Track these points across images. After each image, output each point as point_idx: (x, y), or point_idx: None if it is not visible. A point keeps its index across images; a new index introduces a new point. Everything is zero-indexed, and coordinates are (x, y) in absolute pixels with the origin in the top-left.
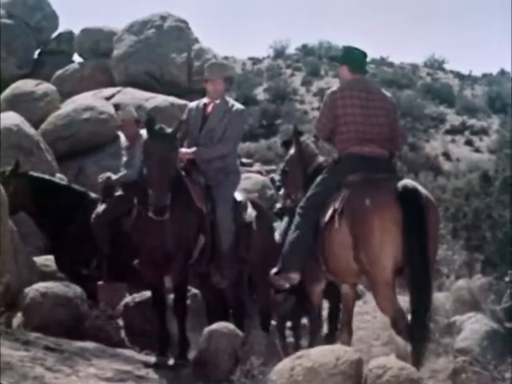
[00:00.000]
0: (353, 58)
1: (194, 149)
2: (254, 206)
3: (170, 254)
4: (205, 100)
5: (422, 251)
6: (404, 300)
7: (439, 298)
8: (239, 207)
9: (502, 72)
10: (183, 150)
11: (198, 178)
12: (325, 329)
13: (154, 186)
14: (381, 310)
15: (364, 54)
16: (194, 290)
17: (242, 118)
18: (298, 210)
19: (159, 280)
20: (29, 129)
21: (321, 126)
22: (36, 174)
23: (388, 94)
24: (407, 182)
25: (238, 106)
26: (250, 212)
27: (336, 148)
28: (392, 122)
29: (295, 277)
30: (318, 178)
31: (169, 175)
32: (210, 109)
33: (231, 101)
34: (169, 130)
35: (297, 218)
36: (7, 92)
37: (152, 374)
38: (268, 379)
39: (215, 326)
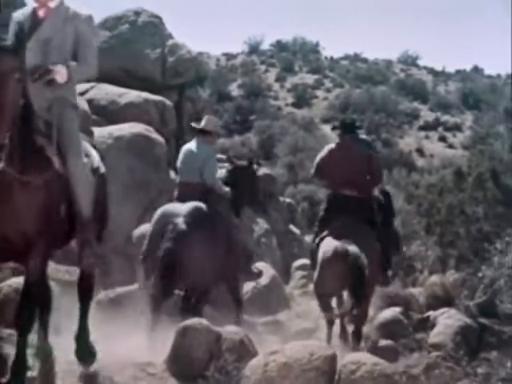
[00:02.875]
0: (342, 125)
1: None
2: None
3: (30, 236)
4: (33, 4)
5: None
6: None
7: (413, 293)
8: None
9: (476, 68)
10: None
11: (47, 130)
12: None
13: None
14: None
15: (352, 121)
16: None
17: (94, 27)
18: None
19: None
20: None
21: (316, 171)
22: None
23: (368, 148)
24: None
25: (82, 11)
26: (93, 152)
27: (328, 188)
28: (366, 172)
29: None
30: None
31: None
32: (42, 13)
33: (71, 6)
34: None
35: None
36: None
37: (128, 371)
38: (242, 375)
39: (189, 321)
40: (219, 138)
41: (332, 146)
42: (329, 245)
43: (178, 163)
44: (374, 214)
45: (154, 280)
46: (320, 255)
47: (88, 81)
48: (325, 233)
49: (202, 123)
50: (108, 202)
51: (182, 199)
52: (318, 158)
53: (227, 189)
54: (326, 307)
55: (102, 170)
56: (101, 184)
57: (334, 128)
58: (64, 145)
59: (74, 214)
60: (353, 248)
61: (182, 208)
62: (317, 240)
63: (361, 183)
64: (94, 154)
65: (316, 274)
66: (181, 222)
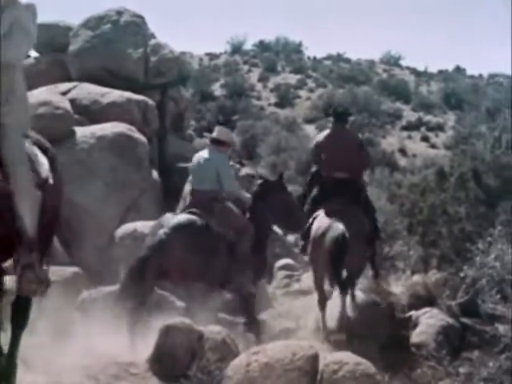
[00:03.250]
0: (335, 113)
1: None
2: (40, 146)
3: None
4: None
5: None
6: None
7: (395, 293)
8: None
9: (458, 68)
10: None
11: None
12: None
13: None
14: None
15: (345, 109)
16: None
17: (34, 15)
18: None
19: None
20: None
21: (313, 156)
22: None
23: (358, 136)
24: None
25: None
26: (42, 160)
27: (322, 172)
28: (357, 156)
29: None
30: (317, 190)
31: None
32: None
33: None
34: None
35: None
36: None
37: (109, 370)
38: (224, 375)
39: (172, 321)
40: (232, 147)
41: (326, 132)
42: (321, 221)
43: (191, 171)
44: (362, 194)
45: (119, 284)
46: (312, 232)
47: (70, 80)
48: (319, 211)
49: (215, 133)
50: (57, 218)
51: (193, 206)
52: (314, 144)
53: (245, 194)
54: (319, 283)
55: (51, 180)
56: (48, 197)
57: (327, 115)
58: (7, 154)
59: (17, 232)
60: (338, 226)
61: (171, 220)
62: (310, 219)
63: (353, 167)
64: (43, 161)
65: (309, 250)
66: (161, 233)
